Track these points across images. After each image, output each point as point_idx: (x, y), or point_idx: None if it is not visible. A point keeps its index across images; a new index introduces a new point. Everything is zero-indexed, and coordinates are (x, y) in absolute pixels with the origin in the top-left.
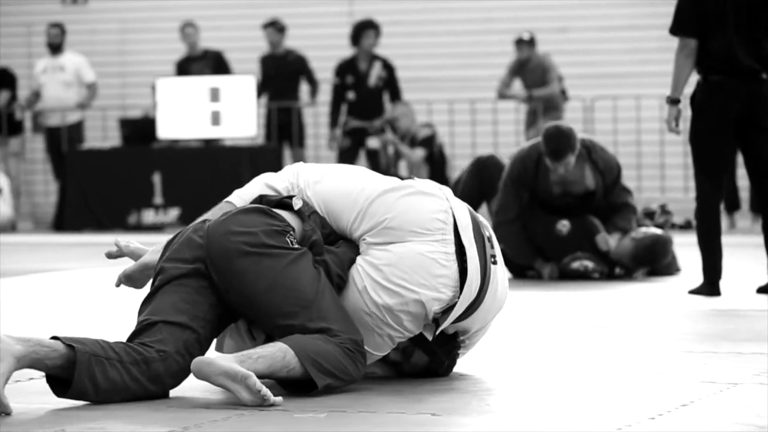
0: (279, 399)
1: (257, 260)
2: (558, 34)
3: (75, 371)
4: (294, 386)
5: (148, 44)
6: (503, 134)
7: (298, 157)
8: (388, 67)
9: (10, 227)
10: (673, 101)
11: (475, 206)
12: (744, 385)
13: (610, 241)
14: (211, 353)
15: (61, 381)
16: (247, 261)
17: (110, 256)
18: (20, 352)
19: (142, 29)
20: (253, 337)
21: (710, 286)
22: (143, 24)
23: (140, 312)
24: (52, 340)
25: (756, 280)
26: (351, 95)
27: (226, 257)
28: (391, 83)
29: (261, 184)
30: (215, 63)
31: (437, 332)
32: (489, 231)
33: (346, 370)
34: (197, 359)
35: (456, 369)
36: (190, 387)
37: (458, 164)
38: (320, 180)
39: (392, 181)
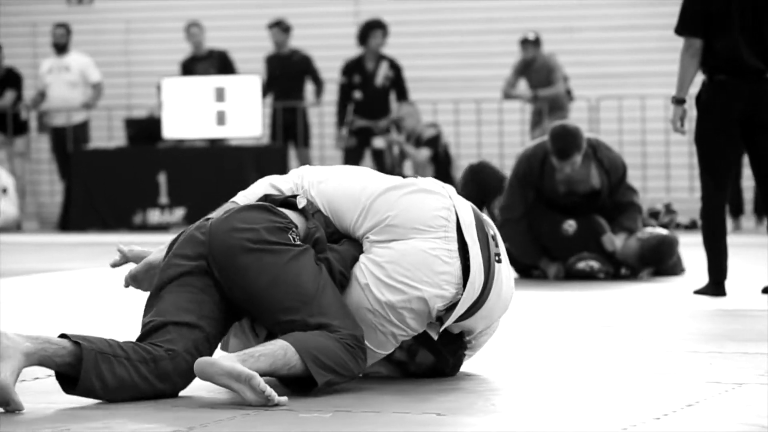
0: (284, 399)
1: (259, 256)
2: (563, 34)
3: (81, 368)
4: (295, 383)
5: (153, 44)
6: (508, 134)
7: (303, 157)
8: (395, 67)
9: (16, 227)
10: (679, 101)
11: None
12: (749, 385)
13: (616, 241)
14: (216, 352)
15: (71, 379)
16: (249, 257)
17: (115, 264)
18: (29, 349)
19: (147, 29)
20: (256, 334)
21: (715, 286)
22: (148, 24)
23: (146, 310)
24: (61, 338)
25: (761, 280)
26: (358, 95)
27: (228, 254)
28: (398, 83)
29: (266, 185)
30: (220, 63)
31: (441, 330)
32: (493, 230)
33: (346, 365)
34: (200, 360)
35: (461, 369)
36: (196, 387)
37: (463, 164)
38: (324, 180)
39: (395, 179)
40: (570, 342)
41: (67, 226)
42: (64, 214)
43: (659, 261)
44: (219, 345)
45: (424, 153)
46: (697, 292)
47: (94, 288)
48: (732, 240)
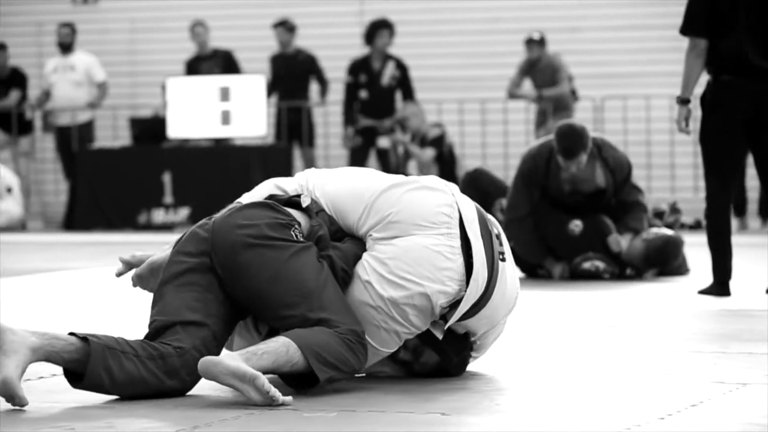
0: (289, 398)
1: (260, 252)
2: (568, 33)
3: (89, 362)
4: (297, 381)
5: (158, 44)
6: (513, 134)
7: (308, 157)
8: (401, 67)
9: (20, 226)
10: (683, 101)
11: None
12: (754, 385)
13: (621, 242)
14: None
15: (78, 374)
16: (251, 253)
17: (119, 273)
18: (35, 344)
19: (152, 29)
20: (259, 331)
21: (720, 286)
22: (153, 24)
23: (152, 307)
24: (69, 335)
25: (765, 280)
26: (363, 94)
27: (230, 249)
28: (404, 83)
29: (270, 186)
30: (225, 62)
31: (446, 327)
32: (498, 229)
33: (347, 361)
34: (204, 359)
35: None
36: (201, 386)
37: (468, 164)
38: (328, 182)
39: (398, 177)
40: (574, 342)
41: (72, 225)
42: (68, 214)
43: (664, 262)
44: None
45: (429, 153)
46: (702, 292)
47: (99, 287)
48: (737, 240)
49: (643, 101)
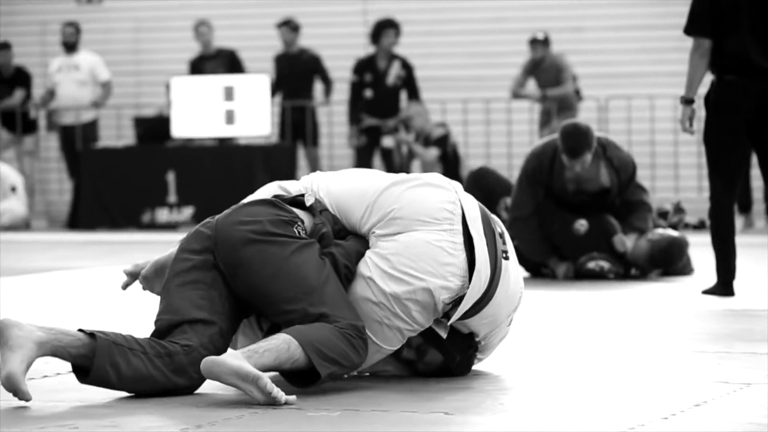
0: (292, 398)
1: (262, 248)
2: (572, 33)
3: (95, 357)
4: (298, 378)
5: (162, 43)
6: (517, 134)
7: (312, 156)
8: (407, 67)
9: (25, 225)
10: (687, 101)
11: None
12: (757, 385)
13: (627, 242)
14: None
15: (86, 371)
16: (253, 249)
17: (126, 285)
18: (42, 338)
19: (156, 28)
20: (261, 329)
21: (724, 286)
22: (157, 23)
23: (159, 305)
24: (76, 331)
25: None
26: (369, 93)
27: (232, 245)
28: (409, 83)
29: (274, 187)
30: (228, 62)
31: (449, 323)
32: (501, 228)
33: (348, 356)
34: (207, 359)
35: None
36: (205, 385)
37: (472, 164)
38: (332, 182)
39: (400, 175)
40: (578, 341)
41: (76, 224)
42: (72, 213)
43: (669, 263)
44: None
45: (433, 152)
46: (706, 292)
47: (103, 286)
48: (741, 240)
49: (648, 101)
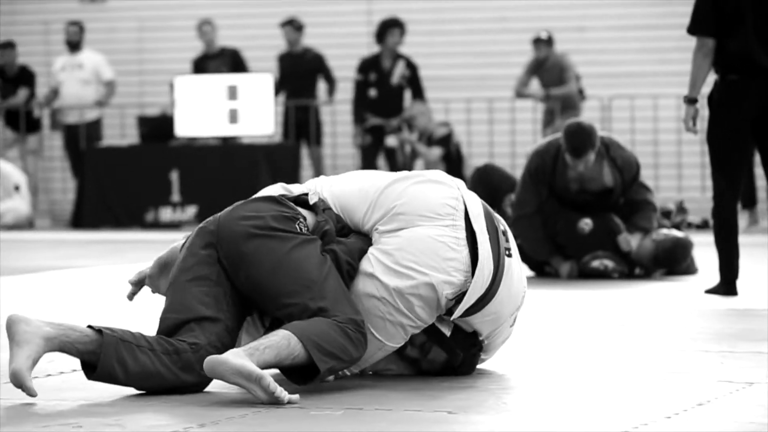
0: (296, 397)
1: (263, 242)
2: (575, 33)
3: (101, 353)
4: (297, 374)
5: (165, 42)
6: (520, 133)
7: (315, 155)
8: (411, 66)
9: (28, 224)
10: (691, 101)
11: None
12: (760, 384)
13: (632, 241)
14: None
15: (94, 367)
16: (254, 242)
17: (132, 295)
18: (49, 334)
19: (159, 27)
20: (264, 325)
21: (727, 285)
22: (161, 22)
23: (165, 301)
24: (85, 327)
25: None
26: (373, 92)
27: (234, 240)
28: (414, 82)
29: (278, 187)
30: (232, 61)
31: (453, 319)
32: (504, 225)
33: (346, 350)
34: (210, 358)
35: None
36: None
37: (475, 163)
38: (335, 183)
39: (403, 173)
40: (581, 340)
41: (80, 223)
42: (76, 212)
43: (673, 263)
44: None
45: (436, 152)
46: (709, 291)
47: (107, 285)
48: (745, 240)
49: (651, 101)
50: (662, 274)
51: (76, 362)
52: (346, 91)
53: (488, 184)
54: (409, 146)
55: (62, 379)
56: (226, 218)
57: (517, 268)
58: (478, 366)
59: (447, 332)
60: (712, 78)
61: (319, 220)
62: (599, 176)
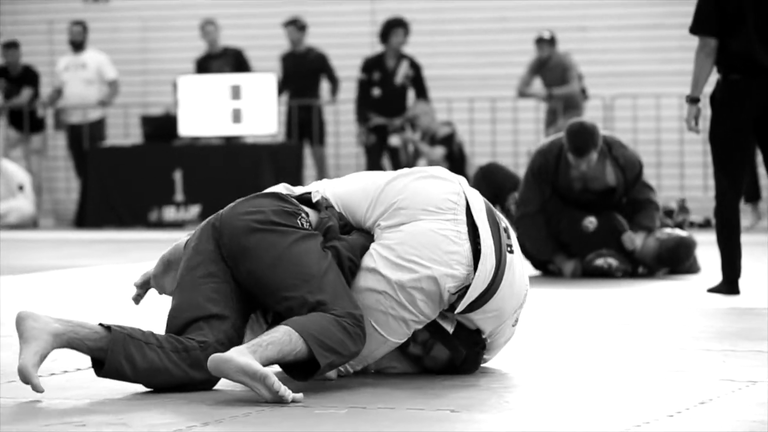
0: (299, 395)
1: (264, 236)
2: (578, 33)
3: (109, 349)
4: (297, 370)
5: (169, 42)
6: (523, 132)
7: (319, 155)
8: (415, 66)
9: (32, 224)
10: (693, 100)
11: None
12: (762, 383)
13: (636, 240)
14: None
15: (103, 363)
16: (255, 236)
17: (138, 297)
18: (58, 330)
19: (163, 27)
20: (266, 321)
21: (729, 284)
22: (164, 22)
23: (173, 300)
24: (95, 324)
25: None
26: (376, 92)
27: (236, 235)
28: (417, 82)
29: (281, 187)
30: (235, 61)
31: (456, 314)
32: (505, 223)
33: (345, 345)
34: (214, 356)
35: None
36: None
37: (478, 162)
38: (338, 184)
39: (404, 169)
40: (584, 339)
41: (83, 223)
42: (80, 211)
43: (676, 262)
44: None
45: (439, 151)
46: (711, 290)
47: (111, 285)
48: (747, 239)
49: (653, 100)
50: (665, 273)
51: (80, 361)
52: (349, 91)
53: (492, 182)
54: (412, 146)
55: (66, 378)
56: (229, 214)
57: (519, 265)
58: (480, 364)
59: (450, 329)
60: (714, 77)
61: (322, 217)
62: (602, 175)
